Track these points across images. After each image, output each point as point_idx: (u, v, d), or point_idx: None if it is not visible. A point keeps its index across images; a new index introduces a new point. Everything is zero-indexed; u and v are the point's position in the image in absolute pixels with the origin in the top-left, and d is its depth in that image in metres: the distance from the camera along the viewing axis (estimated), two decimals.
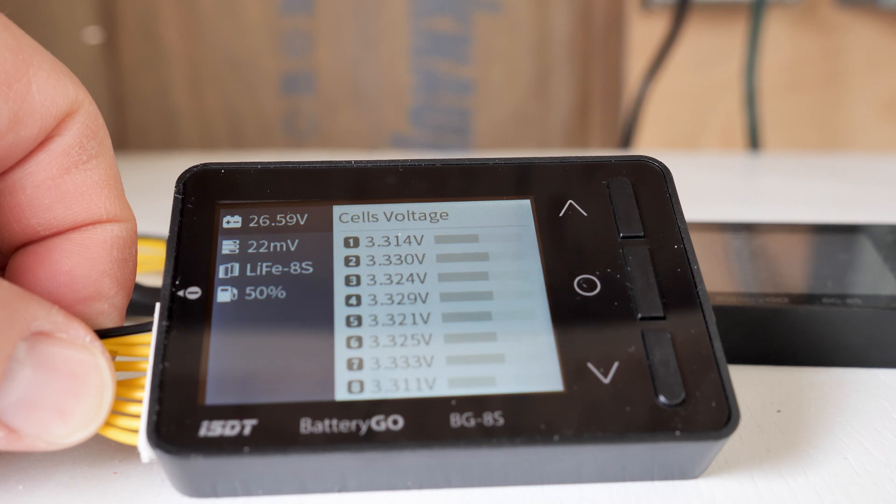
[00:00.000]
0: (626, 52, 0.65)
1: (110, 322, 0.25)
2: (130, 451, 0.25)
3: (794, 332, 0.30)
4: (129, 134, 0.69)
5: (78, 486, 0.24)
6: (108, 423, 0.23)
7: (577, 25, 0.66)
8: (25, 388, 0.22)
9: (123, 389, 0.24)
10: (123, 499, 0.24)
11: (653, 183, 0.27)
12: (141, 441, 0.22)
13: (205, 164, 0.26)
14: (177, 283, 0.24)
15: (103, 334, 0.24)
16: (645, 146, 0.67)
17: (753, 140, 0.64)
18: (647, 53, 0.64)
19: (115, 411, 0.23)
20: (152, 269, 0.40)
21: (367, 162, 0.27)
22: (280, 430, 0.22)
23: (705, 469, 0.24)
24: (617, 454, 0.23)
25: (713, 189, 0.57)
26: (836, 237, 0.36)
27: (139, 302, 0.35)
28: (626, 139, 0.65)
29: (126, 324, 0.25)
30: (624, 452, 0.23)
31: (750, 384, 0.29)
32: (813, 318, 0.30)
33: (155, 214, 0.37)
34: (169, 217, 0.26)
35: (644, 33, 0.64)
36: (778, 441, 0.26)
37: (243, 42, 0.68)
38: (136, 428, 0.23)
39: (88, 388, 0.22)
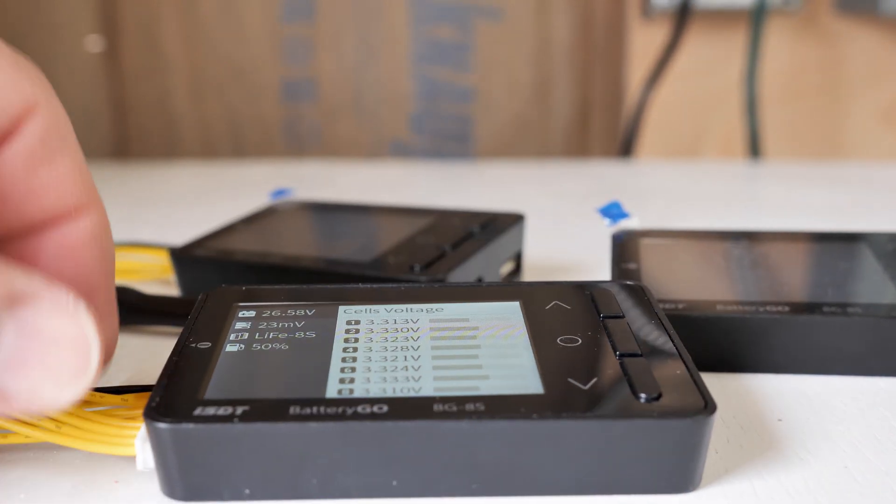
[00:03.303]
0: (626, 60, 0.66)
1: (105, 314, 0.25)
2: (132, 461, 0.25)
3: (795, 340, 0.30)
4: (130, 141, 0.70)
5: (79, 495, 0.24)
6: (107, 444, 0.24)
7: (578, 33, 0.66)
8: (9, 350, 0.22)
9: (122, 420, 0.25)
10: None
11: (632, 295, 0.30)
12: (138, 440, 0.23)
13: (227, 286, 0.30)
14: (190, 339, 0.27)
15: (113, 391, 0.26)
16: (645, 154, 0.67)
17: (754, 148, 0.64)
18: (647, 61, 0.64)
19: (115, 439, 0.24)
20: (153, 277, 0.40)
21: (374, 286, 0.30)
22: (270, 413, 0.23)
23: (700, 479, 0.24)
24: (600, 443, 0.23)
25: (713, 197, 0.57)
26: (836, 245, 0.36)
27: (141, 307, 0.35)
28: (627, 147, 0.65)
29: (126, 327, 0.26)
30: (607, 436, 0.23)
31: (750, 393, 0.29)
32: (813, 327, 0.30)
33: (156, 222, 0.37)
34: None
35: (644, 41, 0.64)
36: (778, 450, 0.26)
37: (244, 49, 0.68)
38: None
39: (74, 344, 0.22)
